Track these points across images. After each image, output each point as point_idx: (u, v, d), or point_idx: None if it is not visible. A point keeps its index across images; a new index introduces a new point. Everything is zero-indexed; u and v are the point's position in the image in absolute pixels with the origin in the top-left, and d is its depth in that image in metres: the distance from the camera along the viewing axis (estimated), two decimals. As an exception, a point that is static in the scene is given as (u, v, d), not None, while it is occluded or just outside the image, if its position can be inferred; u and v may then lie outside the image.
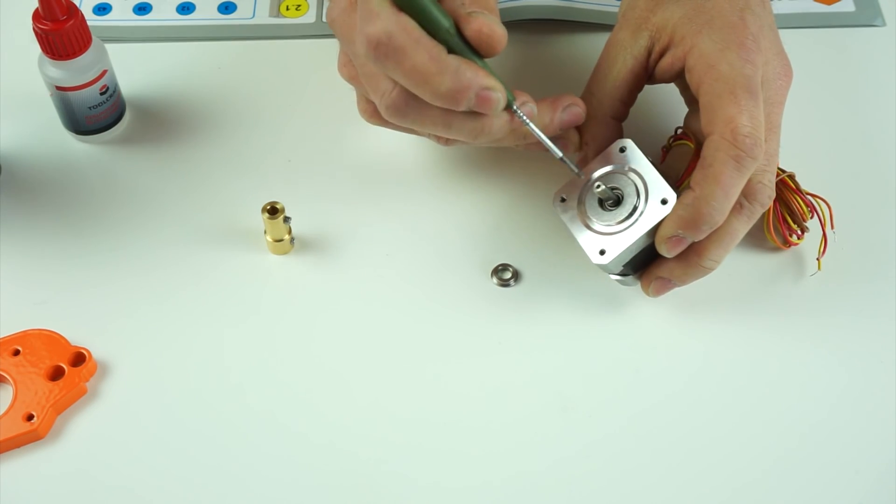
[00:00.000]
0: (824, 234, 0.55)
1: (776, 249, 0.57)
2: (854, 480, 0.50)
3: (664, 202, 0.50)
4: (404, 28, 0.46)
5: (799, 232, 0.56)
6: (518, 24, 0.67)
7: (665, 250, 0.51)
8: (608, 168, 0.53)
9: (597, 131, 0.54)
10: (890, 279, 0.56)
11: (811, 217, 0.56)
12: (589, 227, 0.53)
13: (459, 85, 0.46)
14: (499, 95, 0.48)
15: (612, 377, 0.53)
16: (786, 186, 0.55)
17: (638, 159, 0.52)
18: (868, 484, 0.50)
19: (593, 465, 0.50)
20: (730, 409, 0.52)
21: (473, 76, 0.47)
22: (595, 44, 0.67)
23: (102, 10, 0.69)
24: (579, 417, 0.52)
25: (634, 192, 0.52)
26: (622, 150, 0.53)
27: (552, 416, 0.52)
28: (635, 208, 0.51)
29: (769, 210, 0.54)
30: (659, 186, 0.51)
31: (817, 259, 0.55)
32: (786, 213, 0.56)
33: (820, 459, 0.50)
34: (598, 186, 0.52)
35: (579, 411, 0.52)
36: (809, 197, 0.55)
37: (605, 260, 0.52)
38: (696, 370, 0.53)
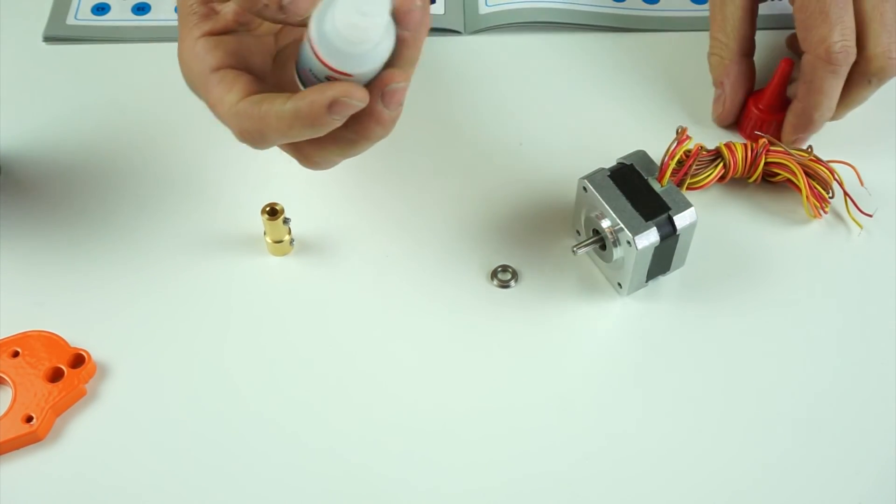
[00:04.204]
0: (846, 194, 0.58)
1: (770, 251, 0.57)
2: (854, 480, 0.50)
3: (629, 244, 0.52)
4: (247, 115, 0.44)
5: (829, 198, 0.58)
6: (519, 26, 0.67)
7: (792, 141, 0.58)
8: (585, 214, 0.54)
9: (732, 71, 0.60)
10: (889, 281, 0.56)
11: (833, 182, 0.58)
12: (603, 260, 0.55)
13: (312, 119, 0.43)
14: (347, 99, 0.42)
15: (613, 377, 0.53)
16: (809, 160, 0.58)
17: (596, 201, 0.53)
18: (868, 484, 0.50)
19: (594, 465, 0.50)
20: (729, 409, 0.52)
21: (313, 101, 0.42)
22: (595, 45, 0.67)
23: (101, 10, 0.69)
24: (580, 418, 0.52)
25: (609, 238, 0.53)
26: (584, 189, 0.53)
27: (552, 416, 0.52)
28: (613, 253, 0.53)
29: (804, 186, 0.57)
30: (622, 230, 0.52)
31: (853, 219, 0.58)
32: (815, 184, 0.57)
33: (819, 459, 0.50)
34: (581, 245, 0.54)
35: (580, 412, 0.52)
36: (832, 164, 0.58)
37: (624, 293, 0.55)
38: (696, 370, 0.53)
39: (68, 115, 0.63)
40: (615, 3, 0.69)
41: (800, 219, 0.58)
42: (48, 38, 0.68)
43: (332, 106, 0.42)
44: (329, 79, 0.42)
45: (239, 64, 0.46)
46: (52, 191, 0.60)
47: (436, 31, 0.68)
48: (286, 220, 0.55)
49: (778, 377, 0.53)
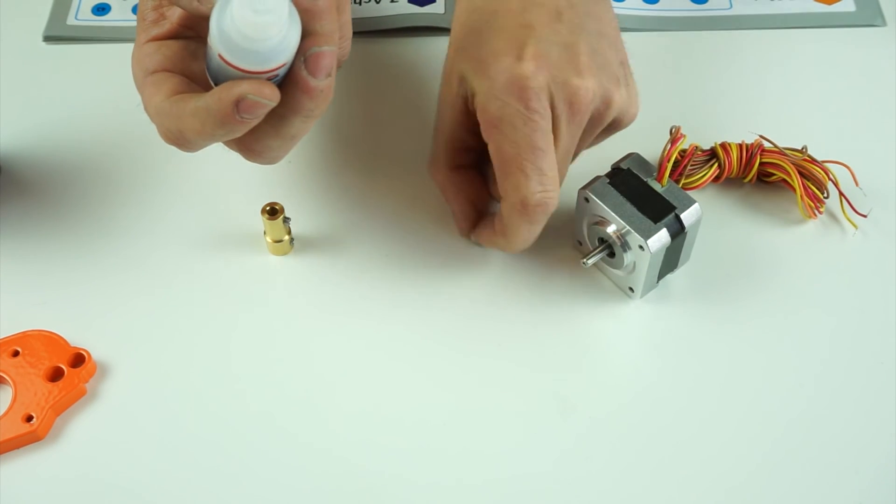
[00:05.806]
0: (841, 194, 0.58)
1: (765, 251, 0.57)
2: (853, 480, 0.50)
3: (641, 248, 0.51)
4: (166, 114, 0.44)
5: (824, 198, 0.57)
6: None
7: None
8: (588, 223, 0.54)
9: (446, 185, 0.55)
10: (884, 281, 0.56)
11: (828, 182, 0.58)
12: (612, 267, 0.55)
13: (222, 116, 0.42)
14: (254, 97, 0.41)
15: (613, 377, 0.53)
16: (804, 161, 0.57)
17: (601, 210, 0.53)
18: (868, 484, 0.50)
19: (594, 465, 0.50)
20: (729, 409, 0.52)
21: (220, 98, 0.42)
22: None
23: (102, 10, 0.69)
24: (580, 418, 0.52)
25: (618, 244, 0.53)
26: (586, 200, 0.53)
27: (552, 417, 0.52)
28: (624, 258, 0.53)
29: (798, 186, 0.57)
30: (630, 234, 0.52)
31: (848, 219, 0.58)
32: (810, 185, 0.57)
33: (819, 459, 0.50)
34: (590, 256, 0.54)
35: (580, 412, 0.52)
36: (826, 164, 0.58)
37: (637, 296, 0.55)
38: (696, 370, 0.53)
39: (68, 115, 0.64)
40: (615, 3, 0.68)
41: (795, 219, 0.58)
42: (48, 38, 0.68)
43: (239, 104, 0.41)
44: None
45: (177, 68, 0.46)
46: (52, 191, 0.60)
47: (436, 30, 0.68)
48: (286, 220, 0.56)
49: (772, 377, 0.53)
